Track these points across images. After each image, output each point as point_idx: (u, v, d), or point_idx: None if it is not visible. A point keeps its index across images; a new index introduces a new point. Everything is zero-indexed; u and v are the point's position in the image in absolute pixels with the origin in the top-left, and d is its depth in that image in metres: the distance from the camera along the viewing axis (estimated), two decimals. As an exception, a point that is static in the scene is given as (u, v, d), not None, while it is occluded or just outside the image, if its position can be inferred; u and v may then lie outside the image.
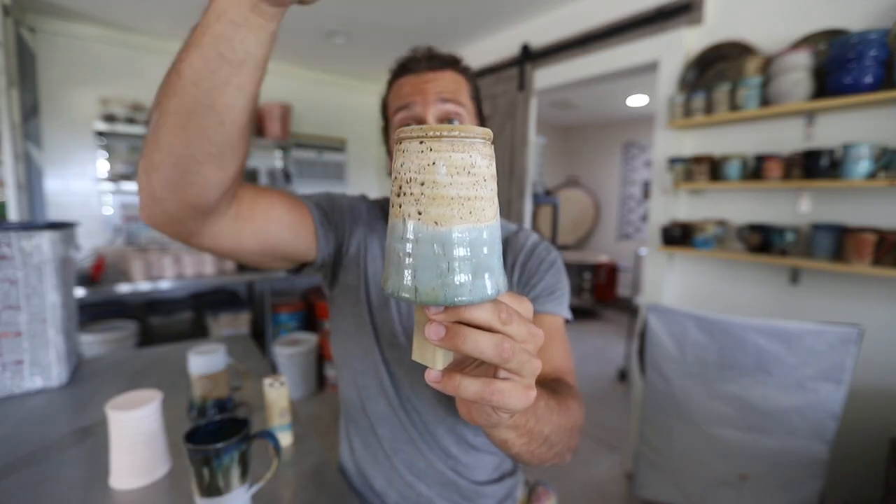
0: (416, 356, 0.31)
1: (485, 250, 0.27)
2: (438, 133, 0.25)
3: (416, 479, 0.74)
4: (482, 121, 0.71)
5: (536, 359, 0.29)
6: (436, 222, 0.26)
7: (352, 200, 0.76)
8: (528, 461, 0.45)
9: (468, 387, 0.28)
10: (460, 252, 0.26)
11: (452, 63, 0.68)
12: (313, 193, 0.72)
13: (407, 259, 0.27)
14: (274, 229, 0.58)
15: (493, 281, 0.27)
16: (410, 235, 0.26)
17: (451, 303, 0.26)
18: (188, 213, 0.45)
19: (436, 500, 0.74)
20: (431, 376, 0.29)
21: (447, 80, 0.65)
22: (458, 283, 0.26)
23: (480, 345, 0.26)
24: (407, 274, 0.27)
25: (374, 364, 0.73)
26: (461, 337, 0.26)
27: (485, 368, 0.31)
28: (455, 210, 0.26)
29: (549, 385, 0.53)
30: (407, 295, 0.27)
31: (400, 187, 0.27)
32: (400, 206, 0.27)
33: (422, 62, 0.66)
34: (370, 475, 0.77)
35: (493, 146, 0.28)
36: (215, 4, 0.34)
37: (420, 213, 0.26)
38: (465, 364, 0.32)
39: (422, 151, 0.26)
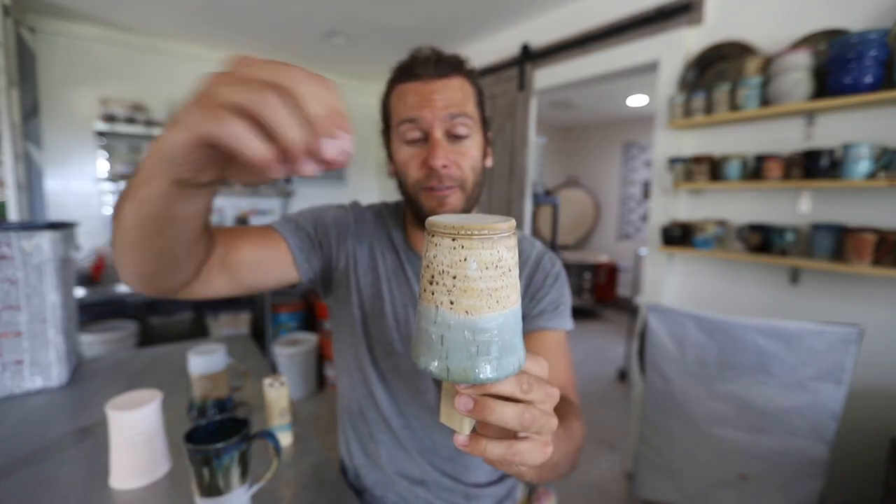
0: (444, 420, 0.33)
1: (508, 333, 0.29)
2: (470, 232, 0.28)
3: (413, 484, 0.74)
4: (486, 127, 0.70)
5: (553, 416, 0.32)
6: (466, 311, 0.28)
7: (336, 214, 0.75)
8: (536, 483, 0.48)
9: (493, 450, 0.31)
10: (488, 337, 0.28)
11: (458, 67, 0.65)
12: (297, 213, 0.72)
13: (439, 343, 0.29)
14: (245, 275, 0.60)
15: (515, 358, 0.30)
16: (443, 322, 0.29)
17: (479, 381, 0.29)
18: (158, 293, 0.51)
19: (435, 502, 0.74)
20: (459, 441, 0.31)
21: (454, 91, 0.63)
22: (485, 364, 0.28)
23: (505, 416, 0.29)
24: (439, 355, 0.29)
25: (368, 374, 0.73)
26: (488, 409, 0.29)
27: None
28: (484, 301, 0.28)
29: (557, 408, 0.55)
30: (438, 373, 0.29)
31: (432, 276, 0.29)
32: (432, 294, 0.29)
33: (428, 68, 0.62)
34: (369, 479, 0.77)
35: (516, 235, 0.30)
36: (145, 171, 0.33)
37: (452, 303, 0.28)
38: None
39: (454, 248, 0.28)
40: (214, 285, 0.56)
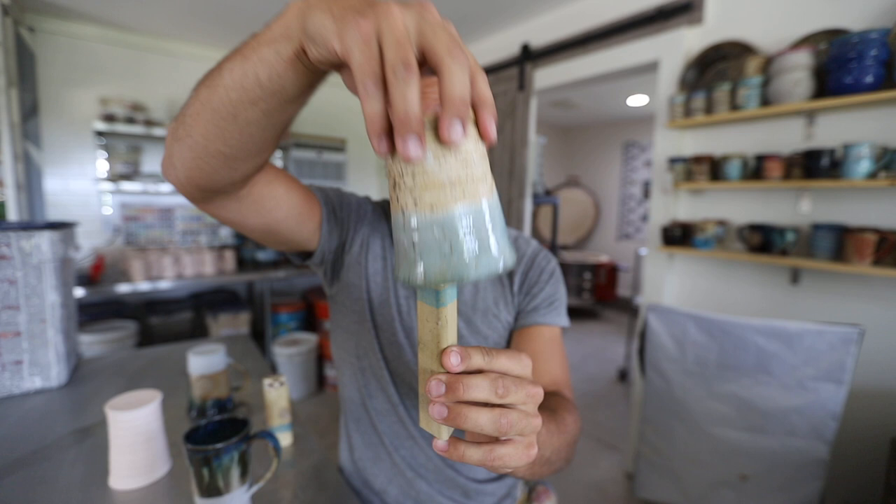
0: (423, 425, 0.32)
1: (484, 226, 0.28)
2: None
3: (416, 476, 0.74)
4: None
5: (536, 417, 0.31)
6: (431, 207, 0.27)
7: (360, 199, 0.77)
8: (529, 479, 0.48)
9: (472, 455, 0.30)
10: (459, 232, 0.27)
11: None
12: (326, 187, 0.73)
13: (412, 247, 0.28)
14: (280, 216, 0.58)
15: (497, 253, 0.28)
16: (410, 224, 0.27)
17: (459, 279, 0.27)
18: (195, 188, 0.47)
19: (436, 498, 0.74)
20: (439, 446, 0.31)
21: None
22: (461, 261, 0.27)
23: (480, 422, 0.29)
24: (414, 262, 0.28)
25: (375, 361, 0.74)
26: (462, 417, 0.29)
27: None
28: (447, 193, 0.26)
29: (549, 403, 0.56)
30: (417, 280, 0.28)
31: (394, 180, 0.28)
32: (397, 199, 0.28)
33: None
34: (370, 473, 0.77)
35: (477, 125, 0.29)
36: (271, 31, 0.33)
37: (416, 202, 0.27)
38: None
39: None
40: (247, 213, 0.54)
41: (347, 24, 0.26)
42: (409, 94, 0.24)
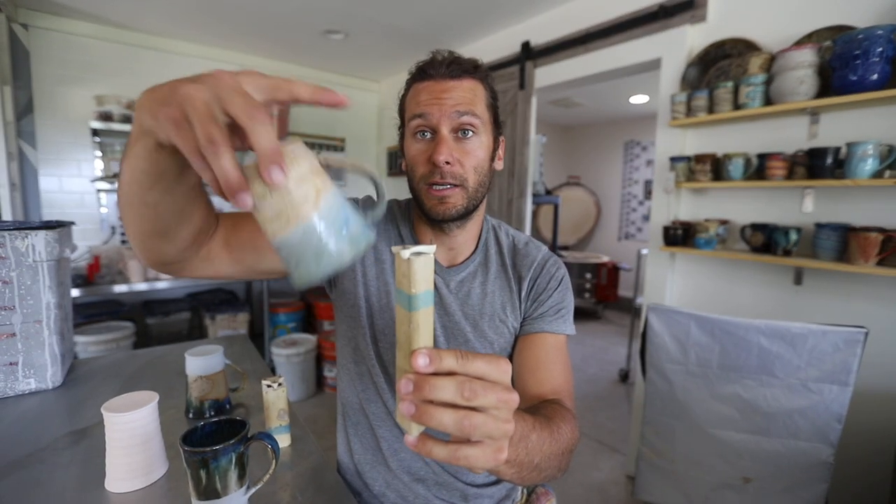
0: (398, 420, 0.35)
1: (316, 234, 0.33)
2: (247, 171, 0.32)
3: (413, 480, 0.74)
4: (497, 128, 0.72)
5: (508, 422, 0.33)
6: (273, 235, 0.34)
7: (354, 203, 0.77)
8: (519, 483, 0.50)
9: (438, 452, 0.32)
10: (296, 248, 0.34)
11: (471, 70, 0.67)
12: None
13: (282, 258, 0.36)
14: (246, 257, 0.61)
15: (336, 250, 0.34)
16: (273, 246, 0.36)
17: (310, 281, 0.35)
18: (157, 268, 0.53)
19: (434, 502, 0.74)
20: (409, 441, 0.33)
21: (465, 91, 0.65)
22: (307, 268, 0.34)
23: (444, 422, 0.30)
24: (287, 270, 0.37)
25: (371, 367, 0.74)
26: (427, 415, 0.30)
27: None
28: (276, 224, 0.33)
29: (545, 410, 0.56)
30: (293, 284, 0.36)
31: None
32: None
33: (441, 68, 0.65)
34: (369, 476, 0.77)
35: (293, 148, 0.33)
36: (133, 132, 0.38)
37: (265, 231, 0.35)
38: None
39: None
40: (216, 265, 0.58)
41: (158, 116, 0.31)
42: (223, 164, 0.29)
